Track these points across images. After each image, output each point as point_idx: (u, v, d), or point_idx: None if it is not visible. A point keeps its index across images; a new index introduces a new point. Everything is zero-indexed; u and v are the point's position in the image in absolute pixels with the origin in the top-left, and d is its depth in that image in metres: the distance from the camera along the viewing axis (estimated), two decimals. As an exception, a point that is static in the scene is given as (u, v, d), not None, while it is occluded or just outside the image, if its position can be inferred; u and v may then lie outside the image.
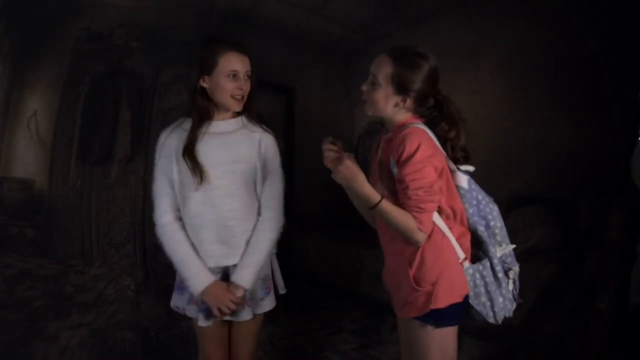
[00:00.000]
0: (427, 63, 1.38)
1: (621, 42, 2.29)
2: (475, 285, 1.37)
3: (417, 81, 1.36)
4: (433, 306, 1.31)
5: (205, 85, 1.49)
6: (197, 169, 1.45)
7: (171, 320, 2.73)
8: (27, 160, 2.92)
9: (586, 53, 2.43)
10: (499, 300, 1.39)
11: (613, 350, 2.18)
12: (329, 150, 1.33)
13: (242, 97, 1.51)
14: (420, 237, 1.32)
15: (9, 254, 2.73)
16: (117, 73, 3.10)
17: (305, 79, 4.55)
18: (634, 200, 2.28)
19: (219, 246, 1.50)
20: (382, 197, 1.31)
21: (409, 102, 1.39)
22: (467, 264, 1.37)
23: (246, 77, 1.50)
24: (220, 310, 1.46)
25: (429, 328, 1.35)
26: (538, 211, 2.61)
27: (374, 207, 1.30)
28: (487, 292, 1.38)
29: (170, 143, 1.51)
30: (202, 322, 1.51)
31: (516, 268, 1.45)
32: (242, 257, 1.51)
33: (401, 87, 1.37)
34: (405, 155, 1.30)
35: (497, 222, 1.42)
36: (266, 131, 1.58)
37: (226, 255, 1.52)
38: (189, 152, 1.46)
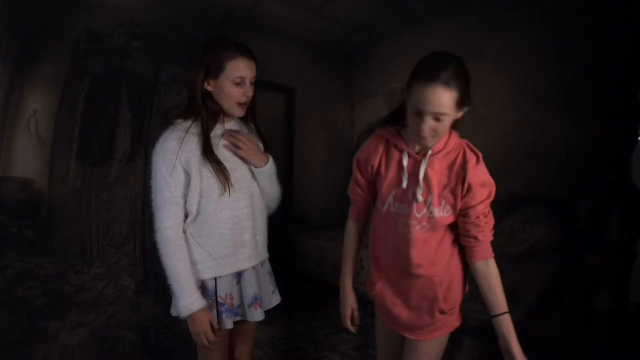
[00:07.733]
0: (463, 63, 1.30)
1: (621, 42, 2.29)
2: None
3: (470, 84, 1.29)
4: (458, 324, 1.38)
5: (209, 89, 1.44)
6: (224, 173, 1.41)
7: (171, 320, 2.72)
8: (27, 160, 2.91)
9: (586, 53, 2.43)
10: None
11: (613, 350, 2.18)
12: None
13: (246, 104, 1.48)
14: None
15: (9, 254, 2.73)
16: (117, 73, 3.10)
17: (305, 79, 4.54)
18: (634, 200, 2.28)
19: (243, 249, 1.49)
20: (502, 313, 1.34)
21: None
22: None
23: (251, 83, 1.47)
24: (204, 339, 1.42)
25: (440, 337, 1.40)
26: (538, 211, 2.61)
27: (503, 315, 1.35)
28: None
29: (188, 149, 1.41)
30: (230, 325, 1.49)
31: None
32: None
33: (464, 102, 1.27)
34: (480, 181, 1.30)
35: None
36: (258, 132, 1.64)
37: (247, 258, 1.51)
38: (214, 157, 1.41)
